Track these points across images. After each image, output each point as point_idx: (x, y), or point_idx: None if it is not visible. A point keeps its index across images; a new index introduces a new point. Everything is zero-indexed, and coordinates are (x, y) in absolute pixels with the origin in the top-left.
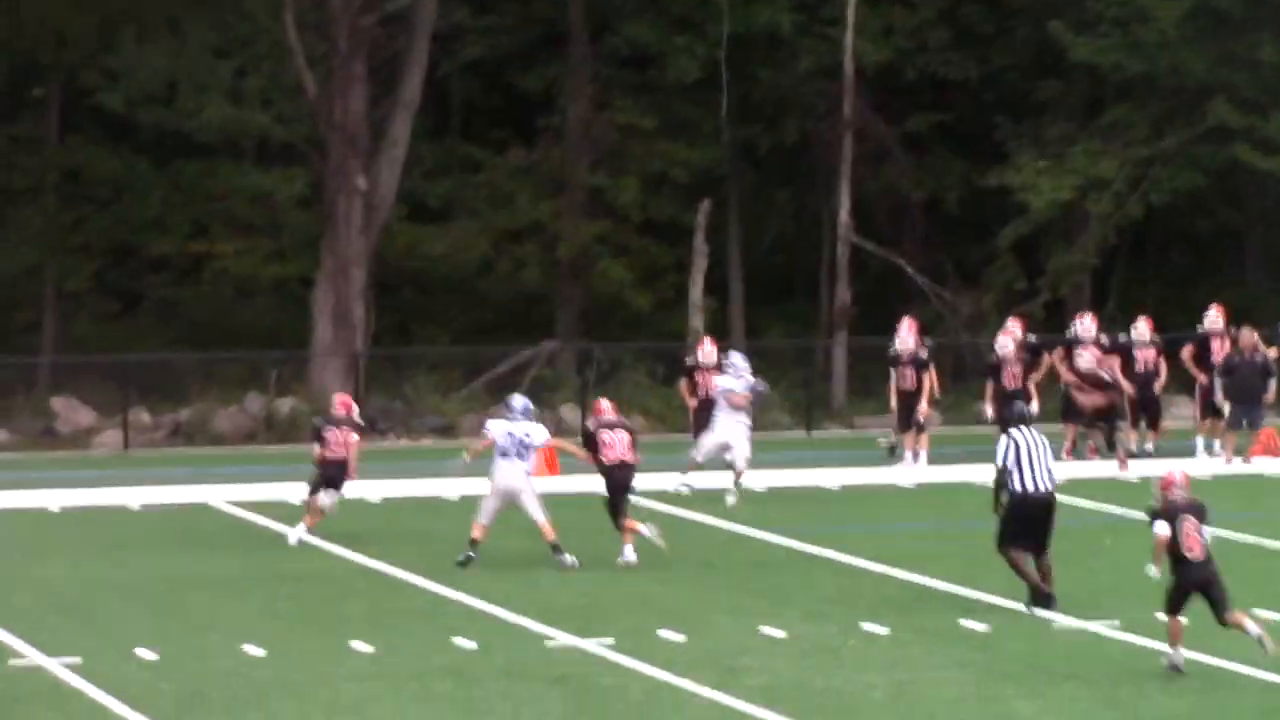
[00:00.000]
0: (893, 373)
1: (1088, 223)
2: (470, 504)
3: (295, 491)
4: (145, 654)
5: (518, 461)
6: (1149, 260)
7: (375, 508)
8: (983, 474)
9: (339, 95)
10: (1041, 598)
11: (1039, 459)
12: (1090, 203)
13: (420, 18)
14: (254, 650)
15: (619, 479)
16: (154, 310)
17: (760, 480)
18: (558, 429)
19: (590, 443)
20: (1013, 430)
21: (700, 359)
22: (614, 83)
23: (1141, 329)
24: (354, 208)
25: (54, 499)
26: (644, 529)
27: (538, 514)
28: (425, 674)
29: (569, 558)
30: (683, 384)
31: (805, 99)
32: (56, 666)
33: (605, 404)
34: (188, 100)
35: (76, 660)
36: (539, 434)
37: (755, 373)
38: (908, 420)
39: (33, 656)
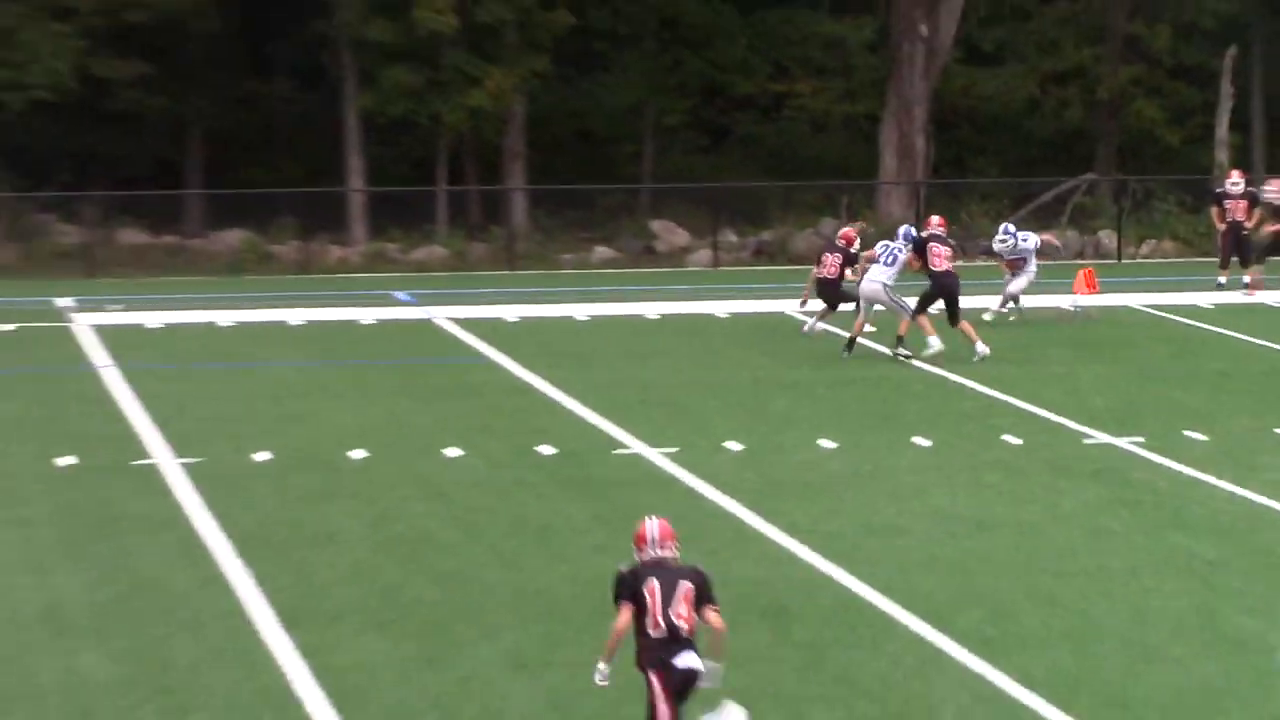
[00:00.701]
0: None
1: None
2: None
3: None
4: (732, 446)
5: (883, 268)
6: None
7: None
8: None
9: None
10: None
11: None
12: None
13: None
14: (826, 444)
15: (946, 285)
16: (738, 144)
17: (1275, 297)
18: (1096, 252)
19: (920, 251)
20: None
21: (1228, 188)
22: None
23: None
24: (917, 52)
25: (653, 309)
26: (979, 348)
27: (896, 311)
28: (976, 467)
29: (904, 352)
30: (1213, 210)
31: None
32: (655, 455)
33: (936, 219)
34: None
35: (674, 450)
36: (904, 251)
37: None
38: None
39: (634, 446)
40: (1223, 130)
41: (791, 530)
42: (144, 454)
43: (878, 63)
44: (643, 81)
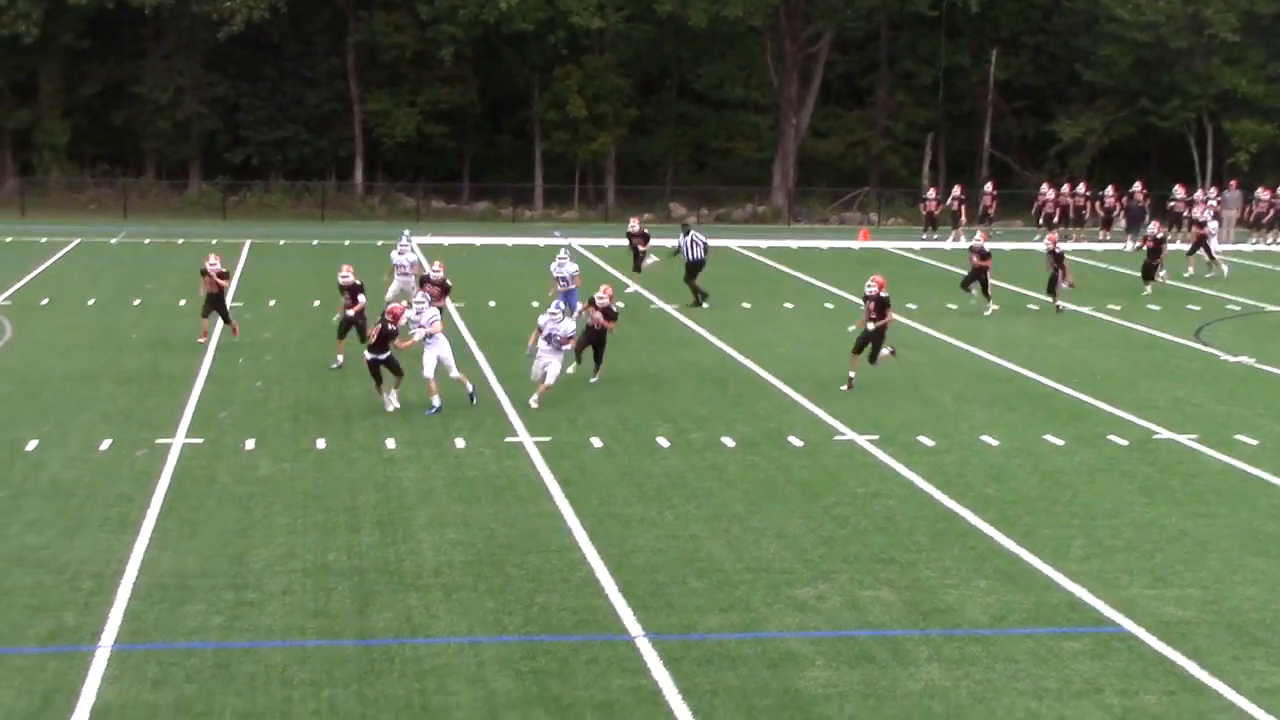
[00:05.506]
0: None
1: None
2: None
3: None
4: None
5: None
6: None
7: None
8: None
9: None
10: None
11: None
12: None
13: None
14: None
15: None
16: (723, 165)
17: None
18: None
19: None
20: None
21: None
22: None
23: None
24: (790, 130)
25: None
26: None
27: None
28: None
29: None
30: None
31: None
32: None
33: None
34: None
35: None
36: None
37: None
38: None
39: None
40: None
41: (731, 344)
42: None
43: (773, 137)
44: (668, 138)
